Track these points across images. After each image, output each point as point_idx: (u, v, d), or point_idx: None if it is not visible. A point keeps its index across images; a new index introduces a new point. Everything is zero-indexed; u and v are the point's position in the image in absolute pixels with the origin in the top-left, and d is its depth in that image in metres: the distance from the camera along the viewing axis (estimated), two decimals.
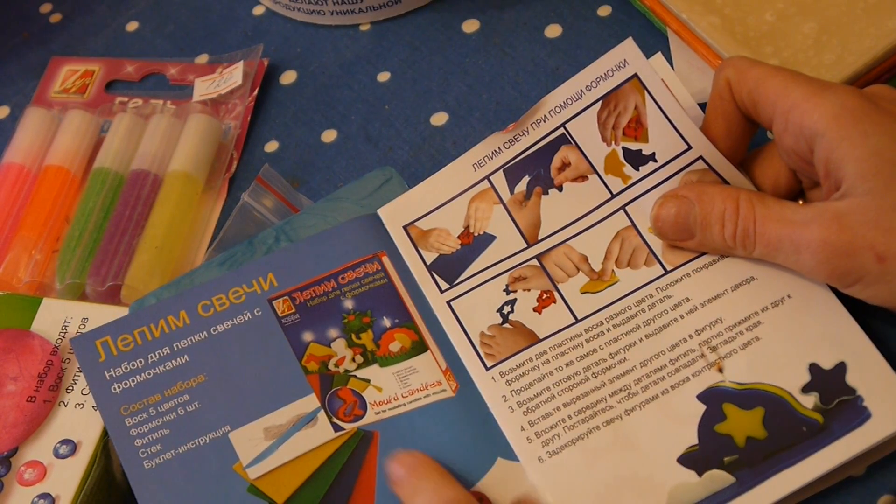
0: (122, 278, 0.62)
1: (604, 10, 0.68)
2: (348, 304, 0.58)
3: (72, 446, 0.55)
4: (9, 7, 0.78)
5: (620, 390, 0.53)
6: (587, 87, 0.59)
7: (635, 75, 0.58)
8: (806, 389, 0.52)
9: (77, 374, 0.57)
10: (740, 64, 0.54)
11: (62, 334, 0.59)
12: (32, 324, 0.59)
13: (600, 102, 0.59)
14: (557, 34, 0.68)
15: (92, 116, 0.69)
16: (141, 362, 0.56)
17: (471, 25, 0.69)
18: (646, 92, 0.57)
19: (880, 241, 0.48)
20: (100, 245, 0.63)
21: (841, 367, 0.52)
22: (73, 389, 0.57)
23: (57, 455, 0.55)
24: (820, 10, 0.61)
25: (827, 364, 0.52)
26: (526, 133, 0.60)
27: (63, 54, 0.74)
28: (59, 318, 0.59)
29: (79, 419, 0.56)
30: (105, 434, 0.55)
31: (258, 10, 0.74)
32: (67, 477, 0.54)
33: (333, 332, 0.57)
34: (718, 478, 0.51)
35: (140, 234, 0.63)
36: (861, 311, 0.53)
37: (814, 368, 0.52)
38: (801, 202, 0.55)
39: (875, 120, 0.49)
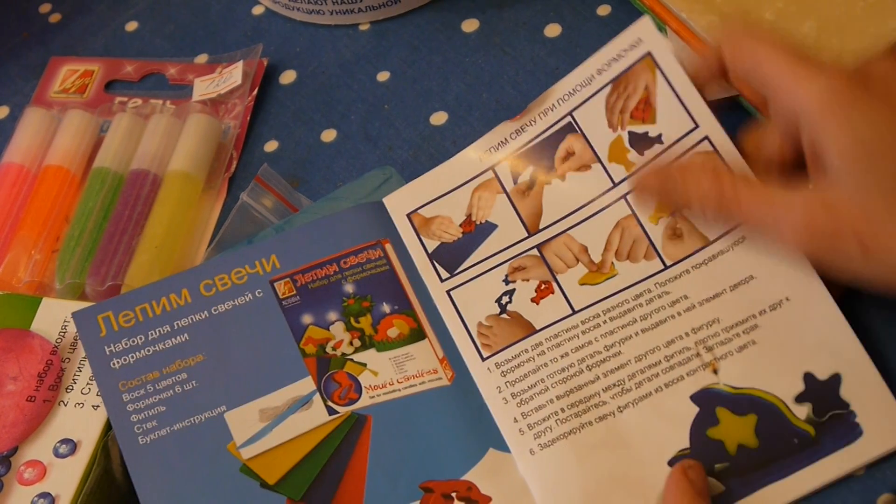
0: (122, 278, 0.62)
1: (603, 10, 0.68)
2: (349, 288, 0.58)
3: (71, 446, 0.55)
4: (8, 7, 0.78)
5: (614, 385, 0.54)
6: (598, 70, 0.59)
7: (648, 53, 0.58)
8: (800, 399, 0.52)
9: (77, 373, 0.57)
10: (736, 41, 0.53)
11: (62, 334, 0.59)
12: (32, 323, 0.59)
13: (610, 86, 0.59)
14: (557, 33, 0.68)
15: (91, 116, 0.69)
16: (141, 339, 0.57)
17: (470, 25, 0.69)
18: (657, 70, 0.57)
19: (866, 232, 0.48)
20: (99, 245, 0.63)
21: (836, 379, 0.52)
22: (72, 389, 0.57)
23: (57, 454, 0.55)
24: (819, 9, 0.61)
25: (822, 374, 0.52)
26: (533, 123, 0.60)
27: (62, 54, 0.74)
28: (58, 317, 0.59)
29: (79, 419, 0.56)
30: (105, 433, 0.56)
31: (257, 10, 0.74)
32: (67, 476, 0.54)
33: (333, 316, 0.58)
34: (709, 485, 0.51)
35: (140, 234, 0.63)
36: (859, 322, 0.53)
37: (808, 378, 0.52)
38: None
39: (862, 107, 0.49)
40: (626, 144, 0.58)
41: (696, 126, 0.56)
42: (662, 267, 0.56)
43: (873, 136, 0.48)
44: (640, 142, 0.58)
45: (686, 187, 0.53)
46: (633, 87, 0.58)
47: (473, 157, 0.61)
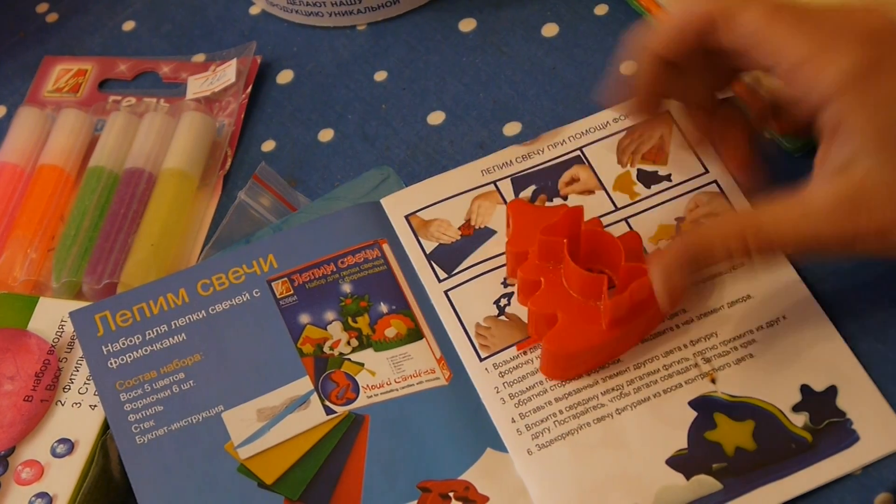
0: (118, 276, 0.61)
1: (601, 9, 0.68)
2: (346, 287, 0.58)
3: (69, 445, 0.55)
4: (5, 6, 0.77)
5: (613, 389, 0.54)
6: (615, 118, 0.61)
7: (667, 111, 0.60)
8: (797, 408, 0.52)
9: (74, 373, 0.57)
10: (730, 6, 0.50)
11: (59, 333, 0.59)
12: (29, 323, 0.59)
13: (625, 132, 0.60)
14: (554, 33, 0.68)
15: (86, 115, 0.69)
16: (138, 338, 0.57)
17: (468, 24, 0.69)
18: (674, 125, 0.59)
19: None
20: (96, 243, 0.63)
21: (832, 391, 0.52)
22: (70, 388, 0.57)
23: (54, 454, 0.55)
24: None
25: (818, 386, 0.53)
26: (541, 152, 0.61)
27: (59, 54, 0.74)
28: (55, 317, 0.59)
29: (76, 418, 0.56)
30: (102, 433, 0.55)
31: (255, 10, 0.74)
32: (65, 476, 0.54)
33: (330, 315, 0.58)
34: (706, 483, 0.51)
35: (135, 232, 0.63)
36: (854, 337, 0.54)
37: (805, 389, 0.53)
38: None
39: (884, 89, 0.47)
40: (634, 178, 0.59)
41: (706, 171, 0.58)
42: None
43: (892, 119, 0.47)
44: (649, 178, 0.59)
45: (704, 242, 0.50)
46: (647, 135, 0.60)
47: (476, 170, 0.61)
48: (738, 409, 0.52)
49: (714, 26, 0.51)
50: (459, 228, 0.59)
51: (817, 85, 0.48)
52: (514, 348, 0.55)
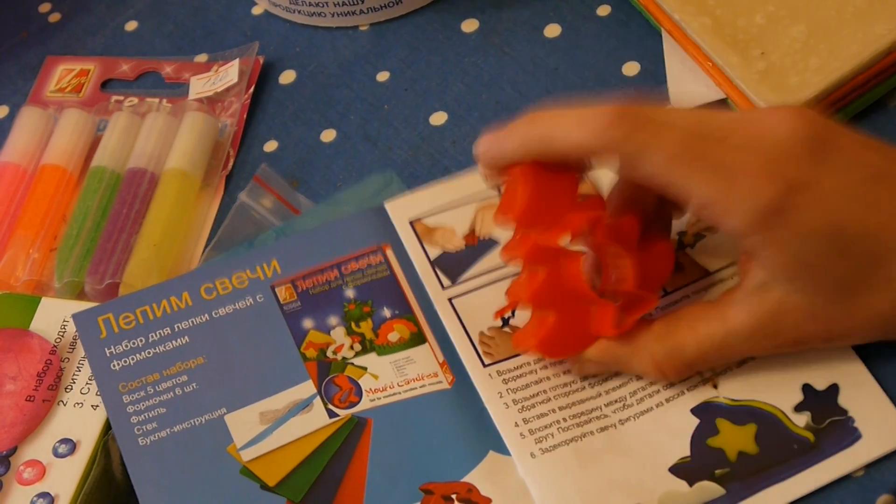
0: (120, 276, 0.61)
1: (603, 10, 0.68)
2: (350, 293, 0.58)
3: (71, 445, 0.55)
4: (7, 6, 0.78)
5: (616, 401, 0.54)
6: None
7: None
8: (799, 409, 0.52)
9: (76, 373, 0.57)
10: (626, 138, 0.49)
11: (61, 334, 0.59)
12: (31, 323, 0.59)
13: None
14: (557, 34, 0.68)
15: (88, 115, 0.69)
16: (141, 341, 0.57)
17: (470, 25, 0.69)
18: None
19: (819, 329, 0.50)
20: (98, 243, 0.63)
21: (833, 389, 0.52)
22: (71, 388, 0.57)
23: (56, 454, 0.55)
24: (810, 14, 0.61)
25: (820, 385, 0.53)
26: None
27: (62, 54, 0.74)
28: (57, 317, 0.59)
29: (78, 418, 0.56)
30: (104, 433, 0.56)
31: (257, 10, 0.74)
32: (66, 476, 0.54)
33: (333, 320, 0.58)
34: (709, 489, 0.51)
35: (138, 232, 0.63)
36: None
37: (807, 389, 0.53)
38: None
39: (789, 225, 0.48)
40: None
41: None
42: (663, 293, 0.56)
43: (809, 250, 0.48)
44: None
45: (620, 363, 0.54)
46: None
47: (480, 180, 0.60)
48: (740, 412, 0.52)
49: (621, 165, 0.51)
50: (464, 238, 0.59)
51: (724, 226, 0.49)
52: (518, 359, 0.55)
